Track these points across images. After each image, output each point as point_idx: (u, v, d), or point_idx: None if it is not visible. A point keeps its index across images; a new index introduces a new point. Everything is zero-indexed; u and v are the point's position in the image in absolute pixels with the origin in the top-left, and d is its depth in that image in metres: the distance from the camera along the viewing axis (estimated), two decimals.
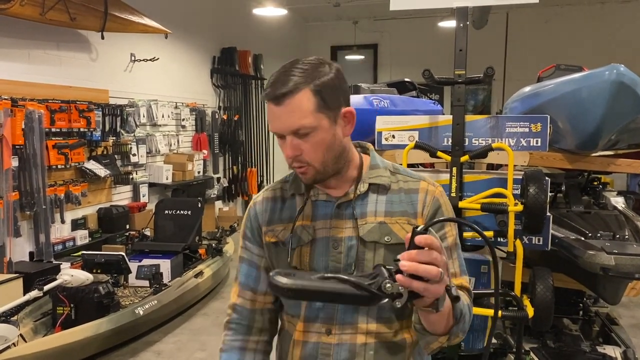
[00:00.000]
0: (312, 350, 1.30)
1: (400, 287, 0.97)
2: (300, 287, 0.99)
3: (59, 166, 5.06)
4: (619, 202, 3.70)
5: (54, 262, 4.78)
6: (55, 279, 3.79)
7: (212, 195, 7.86)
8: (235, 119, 8.71)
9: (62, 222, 5.19)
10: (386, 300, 0.98)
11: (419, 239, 0.98)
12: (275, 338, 1.46)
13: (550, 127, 2.76)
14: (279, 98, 1.18)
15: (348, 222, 1.29)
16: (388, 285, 0.97)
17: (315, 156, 1.22)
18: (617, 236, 2.86)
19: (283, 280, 0.99)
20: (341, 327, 1.28)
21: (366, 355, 1.27)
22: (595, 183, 3.85)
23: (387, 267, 1.00)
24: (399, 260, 0.98)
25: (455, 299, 1.07)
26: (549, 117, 2.73)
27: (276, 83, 1.19)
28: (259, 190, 9.47)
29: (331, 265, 1.28)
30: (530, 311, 2.62)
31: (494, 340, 2.94)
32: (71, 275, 3.86)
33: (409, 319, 1.27)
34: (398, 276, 0.97)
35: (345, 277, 0.99)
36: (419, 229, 1.00)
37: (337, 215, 1.30)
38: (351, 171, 1.31)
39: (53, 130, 4.99)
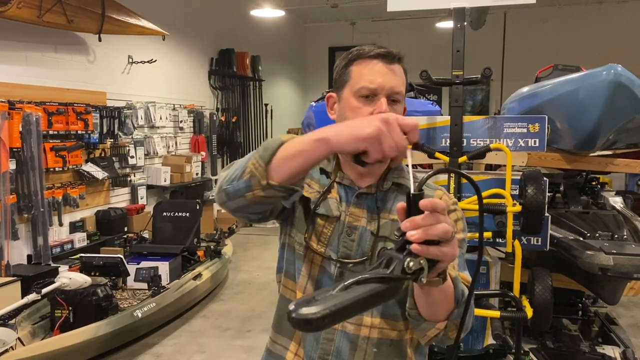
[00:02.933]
0: (316, 333, 1.28)
1: (420, 261, 0.89)
2: (334, 310, 0.83)
3: (57, 169, 5.05)
4: (617, 201, 3.70)
5: (52, 265, 4.76)
6: (53, 282, 3.79)
7: (210, 197, 7.85)
8: (234, 120, 8.71)
9: (60, 224, 5.18)
10: (411, 280, 0.90)
11: (424, 204, 0.89)
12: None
13: (548, 128, 2.76)
14: (393, 57, 1.27)
15: (364, 212, 1.30)
16: (412, 263, 0.88)
17: None
18: (616, 236, 2.87)
19: (312, 310, 0.82)
20: None
21: (367, 349, 1.26)
22: (594, 183, 3.85)
23: (388, 248, 0.93)
24: (402, 233, 0.90)
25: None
26: (547, 117, 2.73)
27: (381, 49, 1.27)
28: None
29: (342, 251, 1.27)
30: (529, 312, 2.62)
31: (493, 341, 2.93)
32: (69, 278, 3.86)
33: None
34: (414, 246, 0.89)
35: (367, 275, 0.88)
36: (413, 191, 0.91)
37: (356, 203, 1.31)
38: (384, 166, 1.33)
39: (50, 132, 4.98)
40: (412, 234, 0.89)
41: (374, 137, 0.94)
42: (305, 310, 0.82)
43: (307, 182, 1.35)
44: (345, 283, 0.88)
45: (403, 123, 0.95)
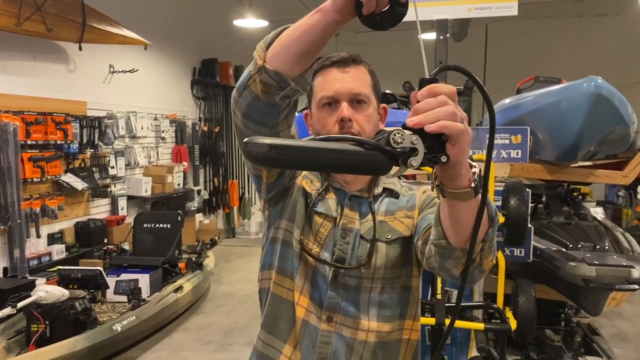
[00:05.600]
0: (312, 334, 1.25)
1: (413, 138, 0.80)
2: (287, 145, 0.80)
3: (35, 179, 4.95)
4: (598, 212, 3.74)
5: (29, 277, 4.65)
6: (29, 296, 3.70)
7: (192, 208, 7.78)
8: (216, 130, 8.66)
9: (38, 236, 5.07)
10: (400, 163, 0.81)
11: (422, 91, 0.82)
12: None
13: (530, 139, 2.77)
14: (347, 63, 1.28)
15: (356, 215, 1.29)
16: (398, 134, 0.80)
17: (366, 127, 1.26)
18: (598, 247, 2.88)
19: (268, 140, 0.80)
20: (343, 317, 1.24)
21: (364, 353, 1.24)
22: (575, 194, 3.89)
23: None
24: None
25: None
26: (529, 128, 2.74)
27: (337, 56, 1.29)
28: (240, 203, 9.41)
29: (337, 254, 1.25)
30: (513, 323, 2.61)
31: (477, 354, 2.92)
32: (46, 291, 3.78)
33: (408, 319, 1.28)
34: (407, 119, 0.81)
35: (348, 136, 0.85)
36: (426, 77, 0.84)
37: (349, 206, 1.30)
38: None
39: (29, 142, 4.89)
40: (411, 120, 0.82)
41: None
42: (262, 139, 0.80)
43: (310, 177, 1.35)
44: (323, 136, 0.88)
45: None
